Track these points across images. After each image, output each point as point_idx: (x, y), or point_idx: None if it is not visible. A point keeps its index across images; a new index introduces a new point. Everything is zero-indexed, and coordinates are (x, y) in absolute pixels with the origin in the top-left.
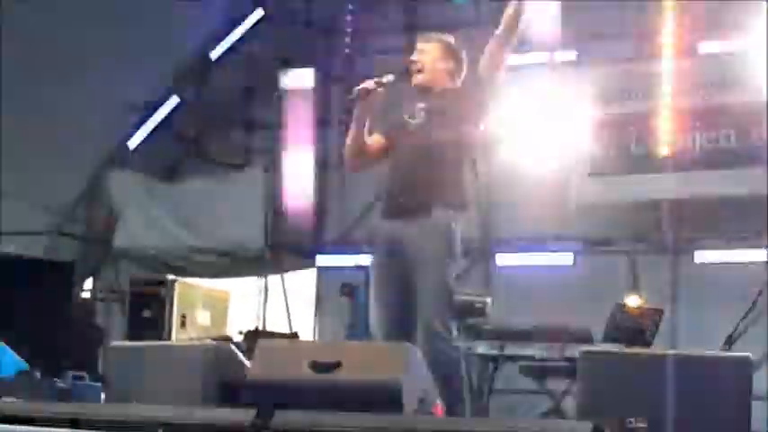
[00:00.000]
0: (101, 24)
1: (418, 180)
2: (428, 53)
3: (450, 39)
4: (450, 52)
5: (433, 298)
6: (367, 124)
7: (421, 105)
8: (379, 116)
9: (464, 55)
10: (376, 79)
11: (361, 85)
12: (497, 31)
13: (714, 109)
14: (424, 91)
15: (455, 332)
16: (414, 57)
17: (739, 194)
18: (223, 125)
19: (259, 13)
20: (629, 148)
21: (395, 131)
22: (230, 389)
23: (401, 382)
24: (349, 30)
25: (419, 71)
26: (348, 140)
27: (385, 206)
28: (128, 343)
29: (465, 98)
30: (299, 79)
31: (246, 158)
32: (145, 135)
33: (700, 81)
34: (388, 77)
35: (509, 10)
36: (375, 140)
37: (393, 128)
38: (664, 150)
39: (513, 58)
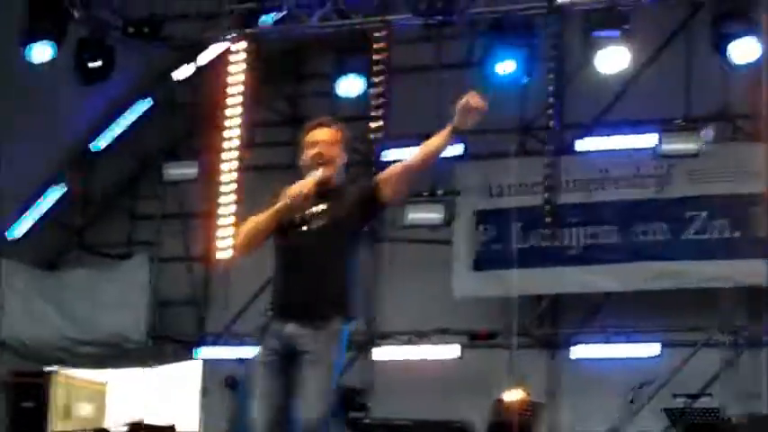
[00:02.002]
0: None
1: (317, 288)
2: (327, 141)
3: (338, 124)
4: (343, 140)
5: (318, 401)
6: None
7: (320, 207)
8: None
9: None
10: (309, 183)
11: (296, 195)
12: (412, 159)
13: (595, 205)
14: (323, 185)
15: None
16: (314, 147)
17: (621, 290)
18: (107, 216)
19: (146, 103)
20: (510, 241)
21: (291, 230)
22: None
23: None
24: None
25: (321, 164)
26: (251, 233)
27: (278, 305)
28: None
29: (360, 202)
30: (183, 171)
31: (130, 249)
32: (29, 225)
33: (581, 177)
34: (320, 174)
35: (435, 142)
36: (265, 223)
37: (289, 225)
38: (546, 245)
39: (397, 152)
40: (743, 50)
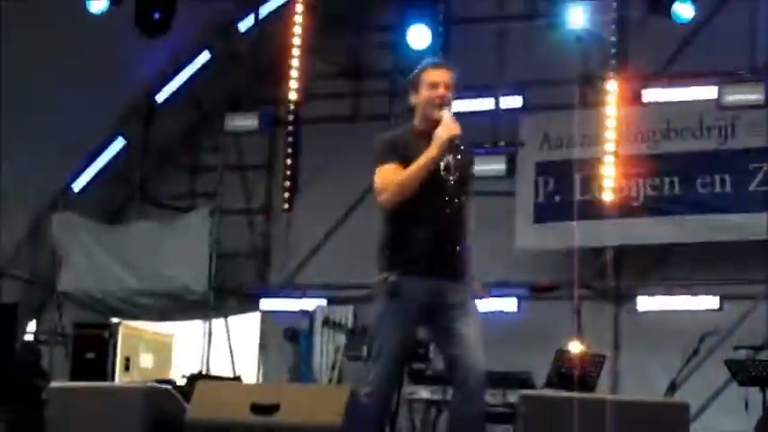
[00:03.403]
0: (44, 65)
1: (462, 243)
2: (449, 83)
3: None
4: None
5: (482, 350)
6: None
7: (453, 161)
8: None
9: None
10: (454, 127)
11: (455, 131)
12: None
13: (658, 157)
14: (452, 138)
15: None
16: (437, 88)
17: (683, 242)
18: (168, 168)
19: (205, 56)
20: (572, 194)
21: (429, 184)
22: (170, 430)
23: (339, 426)
24: (295, 74)
25: (444, 105)
26: (413, 183)
27: (423, 260)
28: (69, 384)
29: (471, 160)
30: (244, 123)
31: (191, 202)
32: (90, 178)
33: (644, 129)
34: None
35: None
36: (421, 171)
37: (429, 181)
38: (607, 197)
39: (458, 104)
40: None
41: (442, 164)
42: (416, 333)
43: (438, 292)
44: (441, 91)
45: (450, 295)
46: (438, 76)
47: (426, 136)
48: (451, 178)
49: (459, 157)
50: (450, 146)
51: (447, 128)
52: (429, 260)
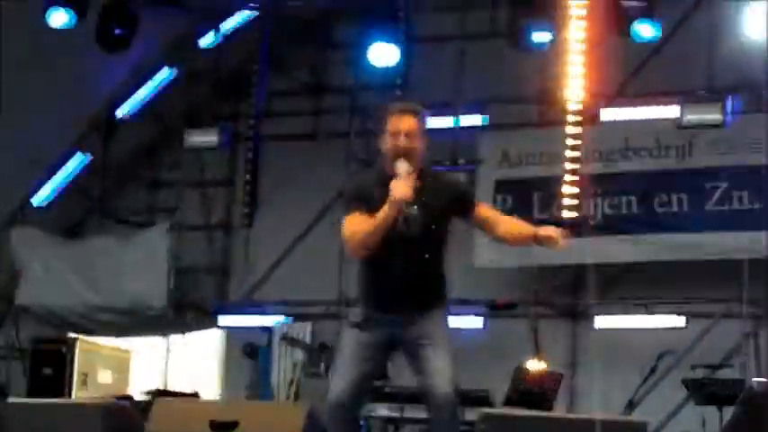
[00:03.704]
0: (3, 78)
1: (425, 287)
2: (412, 132)
3: (420, 108)
4: (425, 126)
5: (452, 374)
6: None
7: (415, 209)
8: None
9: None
10: (406, 181)
11: (405, 195)
12: (503, 224)
13: (616, 176)
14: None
15: None
16: (398, 138)
17: (641, 260)
18: (128, 183)
19: (166, 71)
20: (531, 212)
21: (393, 237)
22: None
23: None
24: (255, 91)
25: (406, 154)
26: (372, 237)
27: (386, 301)
28: (27, 400)
29: (453, 205)
30: (204, 139)
31: (151, 217)
32: (49, 192)
33: (602, 148)
34: (405, 168)
35: (519, 233)
36: (379, 230)
37: (392, 235)
38: (566, 216)
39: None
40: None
41: (402, 218)
42: (380, 362)
43: (406, 325)
44: (399, 141)
45: (419, 327)
46: (398, 125)
47: (381, 183)
48: (415, 231)
49: (425, 207)
50: (403, 205)
51: (398, 187)
52: (398, 302)
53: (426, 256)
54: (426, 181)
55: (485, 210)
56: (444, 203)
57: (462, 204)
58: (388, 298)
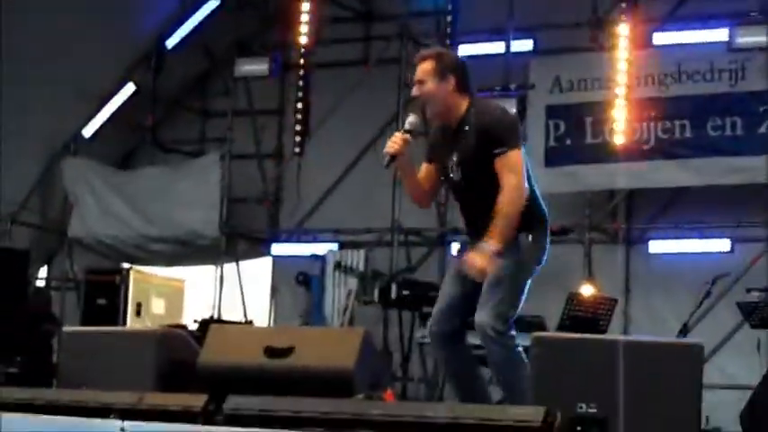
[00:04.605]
0: (53, 12)
1: (482, 226)
2: (420, 79)
3: (436, 50)
4: (439, 67)
5: (491, 303)
6: (423, 167)
7: (453, 159)
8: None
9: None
10: (400, 135)
11: (388, 150)
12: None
13: (669, 100)
14: (447, 129)
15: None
16: (414, 89)
17: (694, 185)
18: (179, 114)
19: (215, 1)
20: (584, 137)
21: (445, 180)
22: (183, 374)
23: (352, 368)
24: (305, 18)
25: (422, 102)
26: (407, 190)
27: (465, 226)
28: (82, 328)
29: (482, 146)
30: (254, 67)
31: (202, 147)
32: (100, 123)
33: (655, 72)
34: (410, 121)
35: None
36: (428, 171)
37: (443, 176)
38: (619, 141)
39: (469, 48)
40: None
41: (442, 165)
42: (470, 287)
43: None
44: (413, 91)
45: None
46: (415, 74)
47: (438, 128)
48: (457, 178)
49: (461, 152)
50: (388, 159)
51: (387, 143)
52: (472, 235)
53: (474, 197)
54: (460, 123)
55: (500, 168)
56: (475, 149)
57: (489, 151)
58: (467, 230)
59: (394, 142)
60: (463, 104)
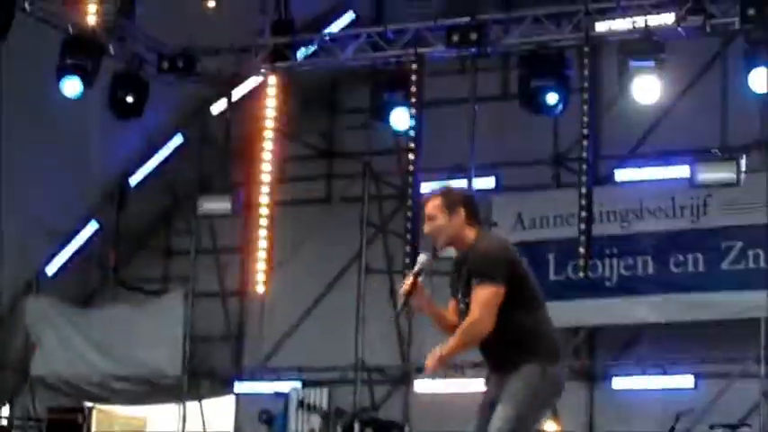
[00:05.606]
0: (17, 147)
1: (492, 356)
2: (429, 215)
3: (443, 187)
4: (447, 202)
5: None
6: (450, 302)
7: (460, 291)
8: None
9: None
10: (410, 278)
11: (402, 295)
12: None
13: (631, 236)
14: (459, 262)
15: None
16: (426, 226)
17: (657, 321)
18: (142, 252)
19: (178, 139)
20: (547, 274)
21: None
22: None
23: None
24: (268, 157)
25: (434, 237)
26: (437, 328)
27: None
28: None
29: (471, 271)
30: (217, 206)
31: (165, 285)
32: (63, 261)
33: (617, 208)
34: (421, 261)
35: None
36: (453, 305)
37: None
38: (582, 277)
39: (431, 185)
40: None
41: (456, 301)
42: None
43: (496, 383)
44: (425, 227)
45: (499, 386)
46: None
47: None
48: (463, 307)
49: (465, 283)
50: (403, 300)
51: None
52: (487, 362)
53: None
54: (466, 253)
55: (471, 298)
56: (467, 280)
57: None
58: (485, 361)
59: (405, 284)
60: (471, 236)
